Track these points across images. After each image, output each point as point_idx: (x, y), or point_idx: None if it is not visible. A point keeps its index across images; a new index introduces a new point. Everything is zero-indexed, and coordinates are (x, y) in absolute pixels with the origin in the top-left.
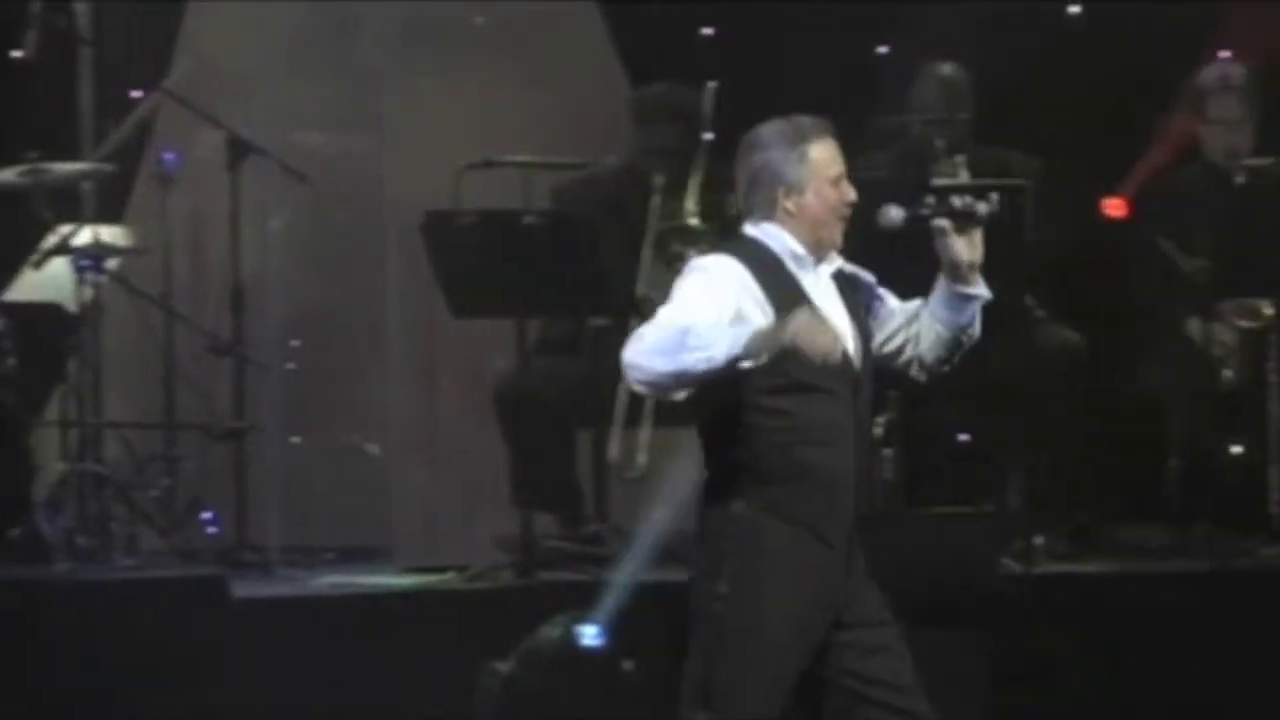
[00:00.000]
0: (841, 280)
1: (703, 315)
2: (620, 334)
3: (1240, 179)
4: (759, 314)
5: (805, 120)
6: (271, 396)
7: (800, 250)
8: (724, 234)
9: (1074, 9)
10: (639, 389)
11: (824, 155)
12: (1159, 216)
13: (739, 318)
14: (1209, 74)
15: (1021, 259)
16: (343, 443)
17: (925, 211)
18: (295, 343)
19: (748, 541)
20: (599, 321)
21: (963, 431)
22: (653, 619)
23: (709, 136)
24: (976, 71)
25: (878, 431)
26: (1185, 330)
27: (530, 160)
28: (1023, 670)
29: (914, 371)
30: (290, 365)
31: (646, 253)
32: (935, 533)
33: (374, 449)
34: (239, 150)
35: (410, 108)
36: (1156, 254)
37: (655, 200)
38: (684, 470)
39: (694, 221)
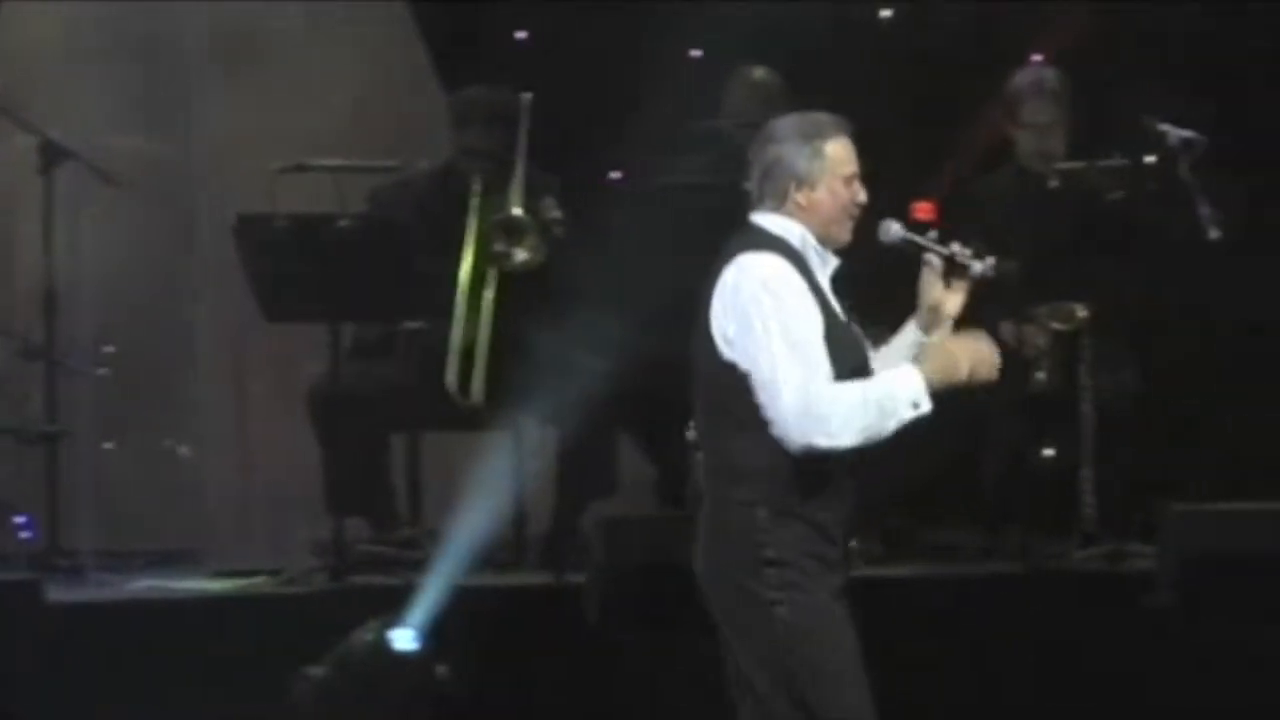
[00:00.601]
0: (836, 286)
1: (824, 356)
2: (434, 337)
3: (1053, 182)
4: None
5: (823, 117)
6: (84, 401)
7: (820, 247)
8: (542, 234)
9: (885, 13)
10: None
11: (839, 153)
12: (971, 219)
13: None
14: (1023, 77)
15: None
16: (155, 447)
17: (922, 241)
18: (109, 348)
19: (782, 549)
20: (412, 325)
21: None
22: (467, 623)
23: (525, 142)
24: (790, 74)
25: (690, 435)
26: (998, 333)
27: (343, 164)
28: None
29: None
30: (102, 370)
31: (468, 249)
32: None
33: (186, 453)
34: (51, 154)
35: (224, 111)
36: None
37: (474, 201)
38: (497, 475)
39: (518, 212)
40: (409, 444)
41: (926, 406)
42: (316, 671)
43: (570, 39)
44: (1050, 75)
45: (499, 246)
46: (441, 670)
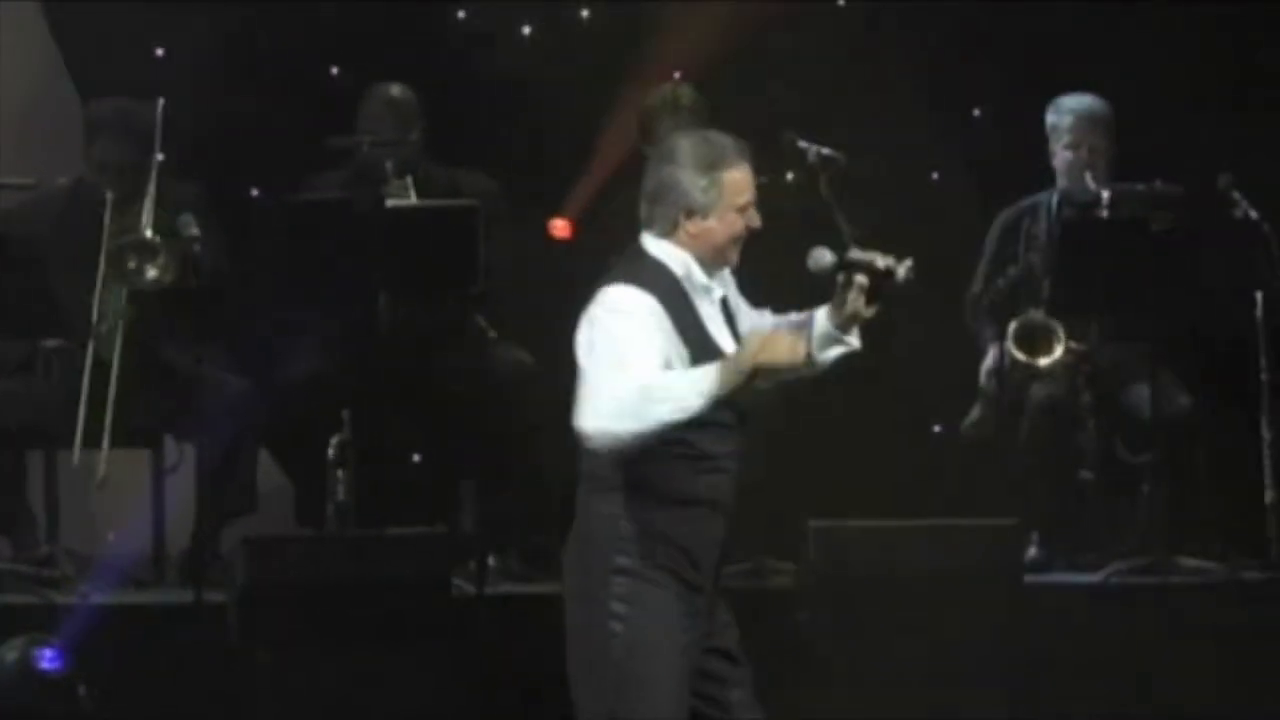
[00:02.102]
0: (726, 308)
1: (646, 363)
2: (72, 355)
3: None
4: (674, 352)
5: (725, 142)
6: None
7: (704, 279)
8: (174, 252)
9: (526, 30)
10: (604, 451)
11: (736, 182)
12: (609, 236)
13: (666, 360)
14: (657, 97)
15: (472, 279)
16: None
17: (852, 258)
18: None
19: (636, 562)
20: (51, 343)
21: (417, 451)
22: (108, 642)
23: (161, 155)
24: (432, 89)
25: (330, 453)
26: None
27: None
28: (479, 690)
29: None
30: None
31: (101, 269)
32: (389, 553)
33: None
34: None
35: None
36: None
37: (106, 216)
38: (138, 493)
39: (149, 234)
40: (47, 461)
41: (714, 390)
42: None
43: (212, 53)
44: (686, 92)
45: (131, 264)
46: (83, 689)
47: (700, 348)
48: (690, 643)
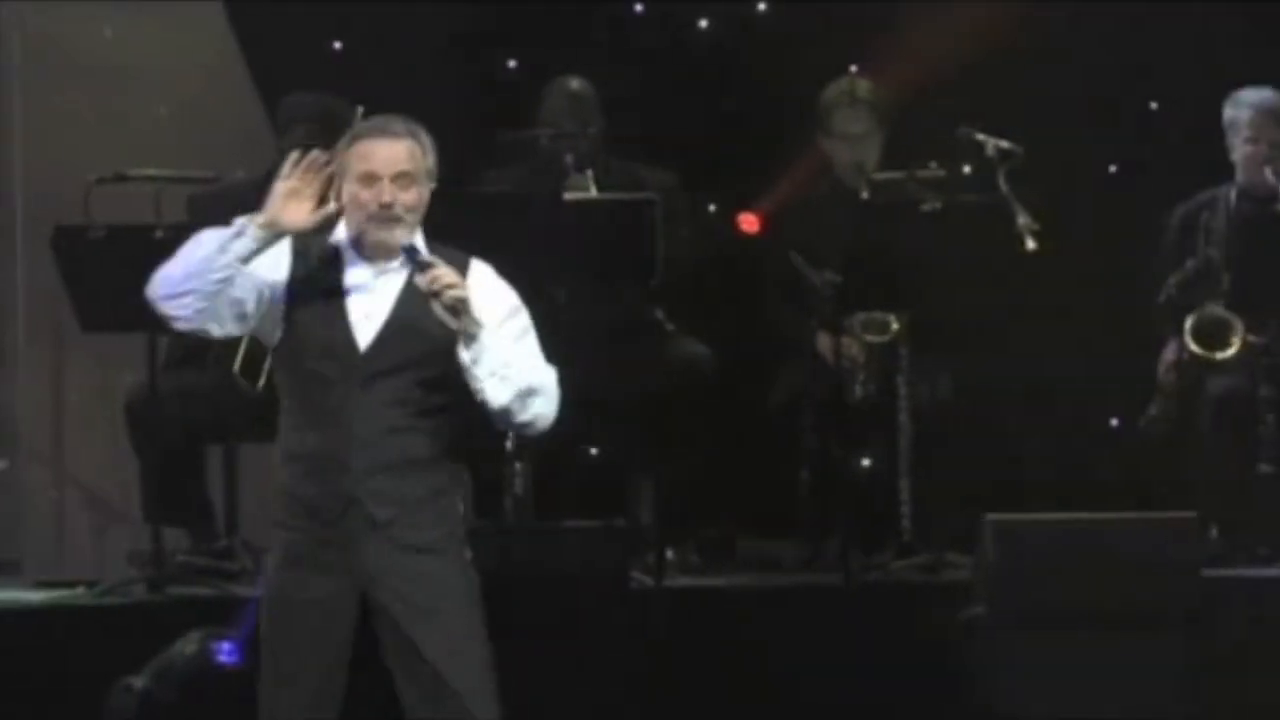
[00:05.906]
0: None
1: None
2: (250, 346)
3: (866, 193)
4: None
5: (383, 120)
6: None
7: (345, 244)
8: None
9: (703, 23)
10: (171, 318)
11: (360, 150)
12: (791, 230)
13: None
14: (834, 89)
15: (650, 272)
16: None
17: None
18: None
19: (279, 515)
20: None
21: (593, 444)
22: None
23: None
24: (610, 83)
25: (508, 445)
26: (815, 344)
27: (161, 174)
28: (656, 684)
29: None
30: None
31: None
32: (566, 546)
33: (4, 463)
34: None
35: (42, 118)
36: (787, 268)
37: None
38: None
39: None
40: (226, 455)
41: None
42: (137, 682)
43: (386, 47)
44: (862, 85)
45: None
46: None
47: (320, 305)
48: (324, 613)
